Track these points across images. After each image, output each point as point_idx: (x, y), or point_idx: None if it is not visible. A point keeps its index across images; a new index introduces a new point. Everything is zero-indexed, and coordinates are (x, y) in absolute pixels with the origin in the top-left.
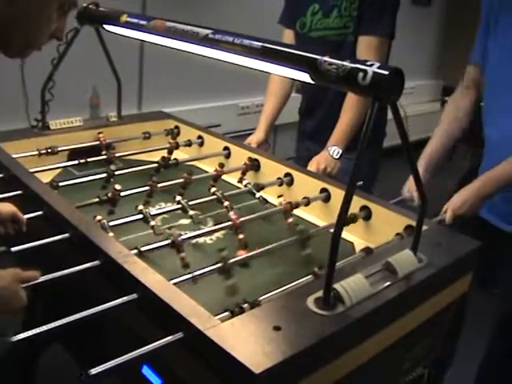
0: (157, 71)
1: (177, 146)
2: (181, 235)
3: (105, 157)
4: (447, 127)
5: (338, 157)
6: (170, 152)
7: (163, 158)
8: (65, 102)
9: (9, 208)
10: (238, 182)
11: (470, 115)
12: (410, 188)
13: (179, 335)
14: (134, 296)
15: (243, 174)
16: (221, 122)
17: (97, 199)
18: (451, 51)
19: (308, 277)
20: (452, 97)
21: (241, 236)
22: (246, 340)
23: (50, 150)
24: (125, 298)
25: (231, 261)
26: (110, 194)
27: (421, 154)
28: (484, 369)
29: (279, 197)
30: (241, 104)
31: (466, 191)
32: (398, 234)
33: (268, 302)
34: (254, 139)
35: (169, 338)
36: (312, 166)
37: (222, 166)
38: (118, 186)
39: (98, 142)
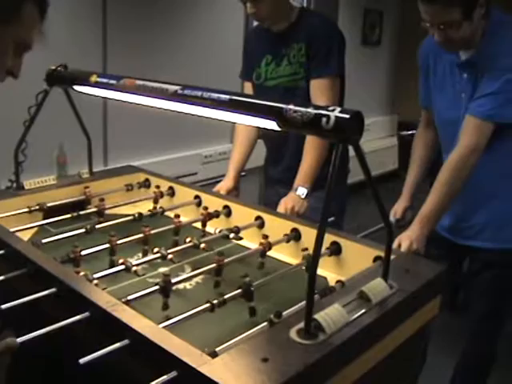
0: (120, 127)
1: (161, 195)
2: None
3: (89, 211)
4: (419, 160)
5: (304, 196)
6: (156, 201)
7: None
8: (31, 162)
9: None
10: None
11: (435, 143)
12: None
13: (173, 374)
14: (126, 342)
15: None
16: (185, 172)
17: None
18: (403, 87)
19: (263, 324)
20: (417, 135)
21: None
22: (238, 373)
23: (38, 207)
24: (117, 345)
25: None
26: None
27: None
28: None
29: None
30: (204, 153)
31: (408, 233)
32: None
33: (253, 337)
34: (223, 186)
35: (164, 378)
36: (280, 207)
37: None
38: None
39: (84, 197)
